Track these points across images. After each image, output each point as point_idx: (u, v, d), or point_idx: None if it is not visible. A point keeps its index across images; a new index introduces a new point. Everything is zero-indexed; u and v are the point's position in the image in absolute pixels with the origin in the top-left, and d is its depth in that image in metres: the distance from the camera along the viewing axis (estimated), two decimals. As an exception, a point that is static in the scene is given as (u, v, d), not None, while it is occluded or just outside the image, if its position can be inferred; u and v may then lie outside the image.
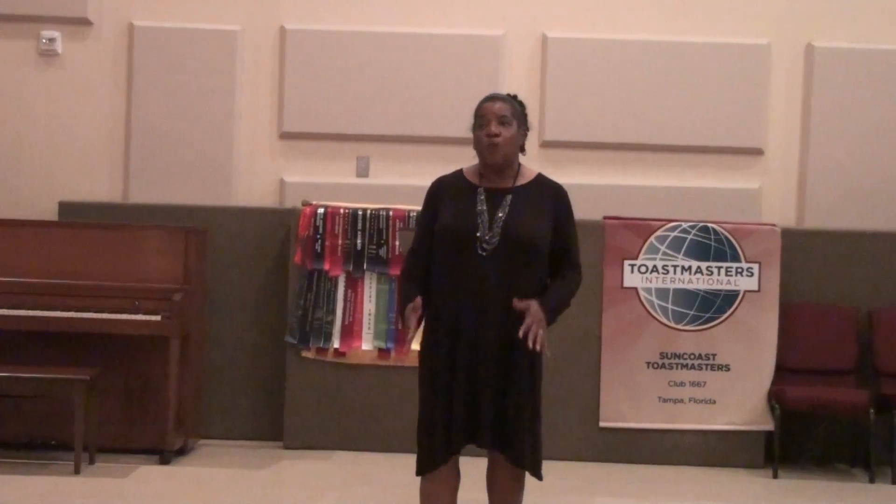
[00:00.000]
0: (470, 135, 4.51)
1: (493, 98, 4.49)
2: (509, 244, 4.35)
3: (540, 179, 4.53)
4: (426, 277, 4.48)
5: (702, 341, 7.72)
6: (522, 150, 4.55)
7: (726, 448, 7.73)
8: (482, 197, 4.43)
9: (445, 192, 4.50)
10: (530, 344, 4.28)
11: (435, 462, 4.42)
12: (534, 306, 4.32)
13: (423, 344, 4.49)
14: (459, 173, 4.55)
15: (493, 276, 4.34)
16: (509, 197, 4.42)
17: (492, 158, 4.43)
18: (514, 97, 4.57)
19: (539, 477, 4.50)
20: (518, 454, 4.41)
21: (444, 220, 4.44)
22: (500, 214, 4.38)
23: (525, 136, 4.54)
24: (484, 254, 4.35)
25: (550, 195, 4.49)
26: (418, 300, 4.38)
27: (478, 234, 4.36)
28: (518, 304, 4.31)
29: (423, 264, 4.50)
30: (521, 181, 4.48)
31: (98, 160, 8.27)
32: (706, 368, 7.72)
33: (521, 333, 4.28)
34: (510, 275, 4.35)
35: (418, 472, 4.47)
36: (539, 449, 4.48)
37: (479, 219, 4.38)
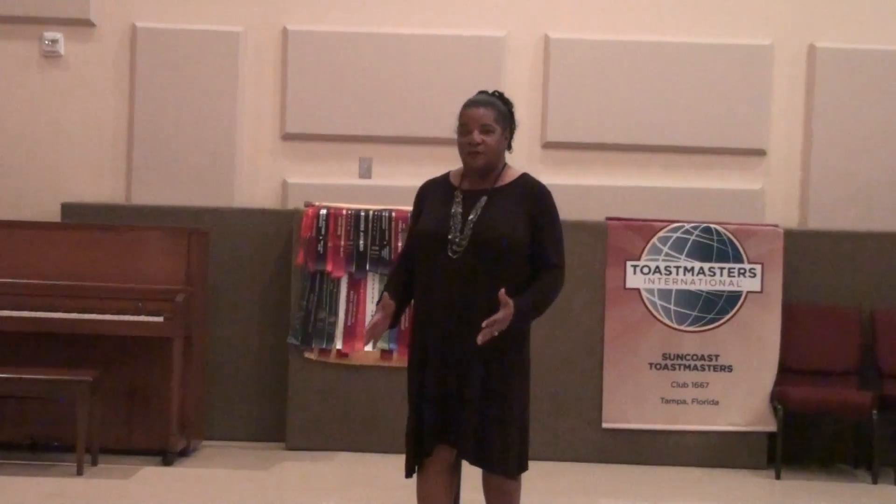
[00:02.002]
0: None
1: (476, 103, 4.47)
2: (478, 246, 4.34)
3: (521, 180, 4.50)
4: (410, 282, 4.51)
5: (704, 342, 7.72)
6: (509, 147, 4.55)
7: (729, 449, 7.73)
8: (458, 199, 4.43)
9: (429, 195, 4.53)
10: (479, 338, 4.23)
11: (411, 464, 4.45)
12: (508, 307, 4.25)
13: (409, 349, 4.54)
14: (446, 176, 4.57)
15: (463, 278, 4.33)
16: (484, 199, 4.42)
17: (473, 165, 4.44)
18: (500, 96, 4.54)
19: (522, 470, 4.49)
20: (487, 458, 4.38)
21: (421, 223, 4.47)
22: (472, 217, 4.38)
23: (511, 135, 4.52)
24: (454, 256, 4.35)
25: (528, 195, 4.45)
26: (386, 298, 4.44)
27: (449, 237, 4.37)
28: (502, 296, 4.25)
29: (408, 268, 4.53)
30: (501, 182, 4.46)
31: (101, 161, 8.28)
32: (709, 369, 7.72)
33: (484, 324, 4.24)
34: (480, 277, 4.33)
35: (405, 474, 4.49)
36: (517, 448, 4.43)
37: (452, 221, 4.39)
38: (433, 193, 4.53)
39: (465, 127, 4.43)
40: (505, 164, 4.53)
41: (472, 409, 4.33)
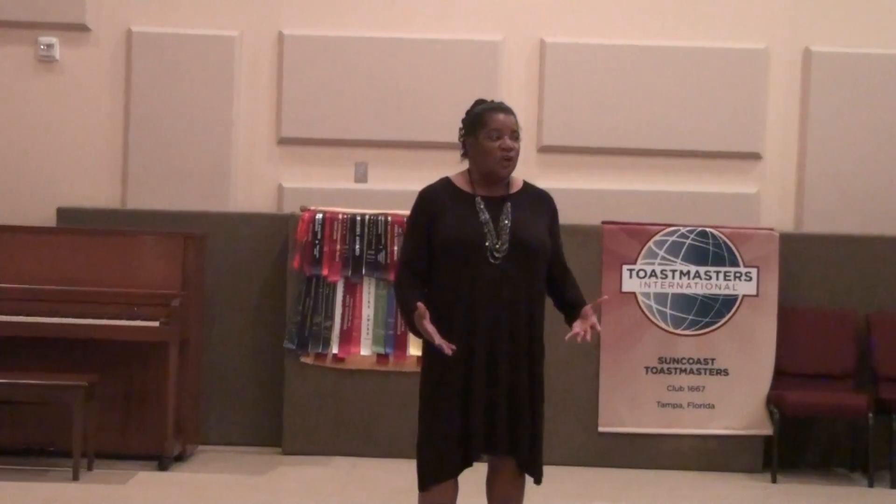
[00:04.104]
0: (459, 139, 4.52)
1: (501, 109, 4.47)
2: (519, 251, 4.36)
3: (529, 187, 4.56)
4: (423, 288, 4.43)
5: (700, 346, 7.72)
6: None
7: (725, 453, 7.73)
8: (482, 206, 4.42)
9: (440, 202, 4.44)
10: (588, 336, 4.43)
11: (444, 475, 4.38)
12: (594, 315, 4.46)
13: (431, 355, 4.40)
14: (448, 182, 4.51)
15: (507, 284, 4.35)
16: (508, 204, 4.43)
17: (505, 172, 4.44)
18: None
19: (540, 481, 4.53)
20: (533, 464, 4.44)
21: (447, 231, 4.38)
22: (506, 222, 4.38)
23: None
24: (496, 262, 4.35)
25: (542, 201, 4.53)
26: (421, 307, 4.29)
27: (486, 244, 4.35)
28: (598, 303, 4.52)
29: (420, 275, 4.44)
30: (514, 189, 4.50)
31: (96, 166, 8.27)
32: (705, 373, 7.72)
33: (585, 333, 4.42)
34: (521, 281, 4.37)
35: (423, 486, 4.41)
36: (541, 454, 4.53)
37: (486, 228, 4.37)
38: (444, 201, 4.44)
39: (497, 132, 4.41)
40: None
41: (525, 415, 4.38)
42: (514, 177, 4.53)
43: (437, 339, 4.27)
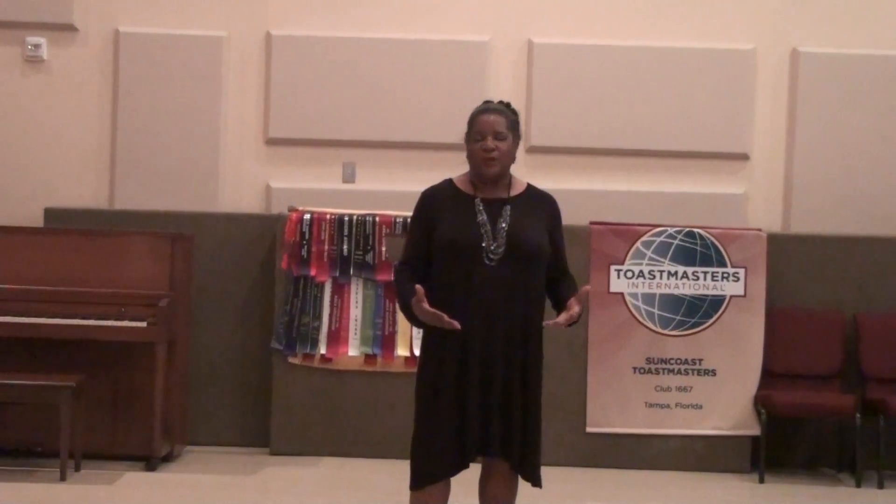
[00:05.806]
0: (463, 141, 4.51)
1: (489, 110, 4.47)
2: (515, 253, 4.36)
3: (532, 190, 4.55)
4: (423, 285, 4.42)
5: (688, 346, 7.73)
6: (513, 158, 4.55)
7: (713, 453, 7.74)
8: (480, 207, 4.42)
9: (441, 203, 4.45)
10: (561, 319, 4.37)
11: (438, 475, 4.38)
12: (581, 304, 4.39)
13: (426, 356, 4.44)
14: (450, 184, 4.51)
15: (502, 286, 4.34)
16: (508, 207, 4.43)
17: (488, 172, 4.42)
18: (508, 105, 4.55)
19: (540, 485, 4.59)
20: (530, 468, 4.49)
21: (445, 232, 4.39)
22: (503, 224, 4.38)
23: (517, 145, 4.53)
24: (492, 264, 4.35)
25: (544, 204, 4.52)
26: (419, 290, 4.27)
27: (483, 245, 4.35)
28: (583, 292, 4.40)
29: (419, 274, 4.44)
30: (515, 191, 4.49)
31: (84, 166, 8.26)
32: (692, 373, 7.73)
33: (565, 318, 4.38)
34: (517, 283, 4.36)
35: (417, 486, 4.41)
36: (539, 457, 4.56)
37: (483, 229, 4.37)
38: (445, 202, 4.45)
39: (479, 133, 4.41)
40: (510, 174, 4.54)
41: (518, 418, 4.41)
42: (517, 179, 4.53)
43: (445, 318, 4.25)
